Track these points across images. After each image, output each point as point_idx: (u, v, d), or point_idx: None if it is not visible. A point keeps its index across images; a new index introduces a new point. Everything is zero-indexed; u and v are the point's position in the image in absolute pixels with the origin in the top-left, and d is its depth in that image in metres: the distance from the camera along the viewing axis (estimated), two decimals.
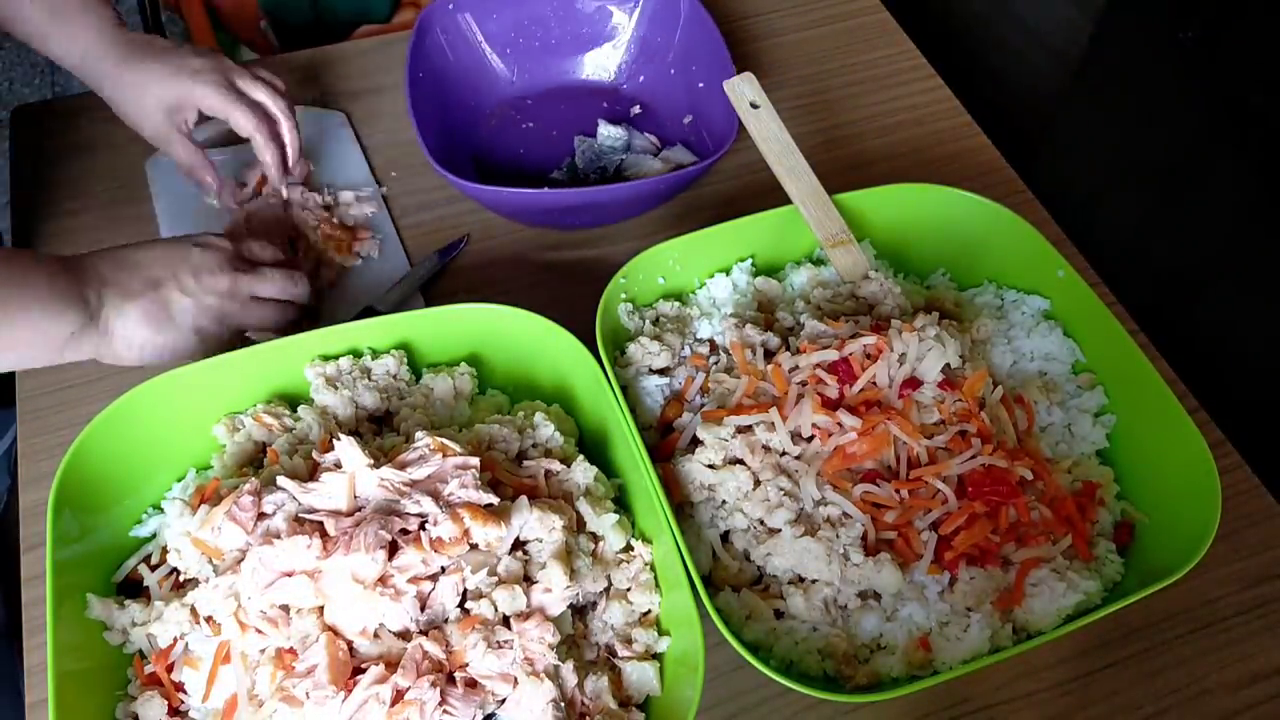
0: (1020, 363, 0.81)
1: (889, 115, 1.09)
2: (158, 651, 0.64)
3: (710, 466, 0.70)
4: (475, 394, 0.78)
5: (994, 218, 0.84)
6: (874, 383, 0.72)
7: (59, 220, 0.96)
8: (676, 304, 0.83)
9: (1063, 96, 1.21)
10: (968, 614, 0.67)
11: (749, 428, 0.71)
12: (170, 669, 0.64)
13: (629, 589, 0.67)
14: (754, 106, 0.85)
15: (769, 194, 0.85)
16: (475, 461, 0.64)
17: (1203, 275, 1.03)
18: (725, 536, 0.71)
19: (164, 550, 0.68)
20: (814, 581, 0.67)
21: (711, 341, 0.80)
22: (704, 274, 0.84)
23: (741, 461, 0.70)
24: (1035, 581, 0.68)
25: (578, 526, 0.67)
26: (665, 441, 0.75)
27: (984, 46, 1.26)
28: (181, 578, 0.67)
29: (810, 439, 0.70)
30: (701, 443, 0.71)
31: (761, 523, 0.69)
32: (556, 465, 0.69)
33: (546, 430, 0.71)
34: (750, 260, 0.85)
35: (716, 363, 0.78)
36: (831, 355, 0.72)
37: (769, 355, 0.76)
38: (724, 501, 0.70)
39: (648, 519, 0.68)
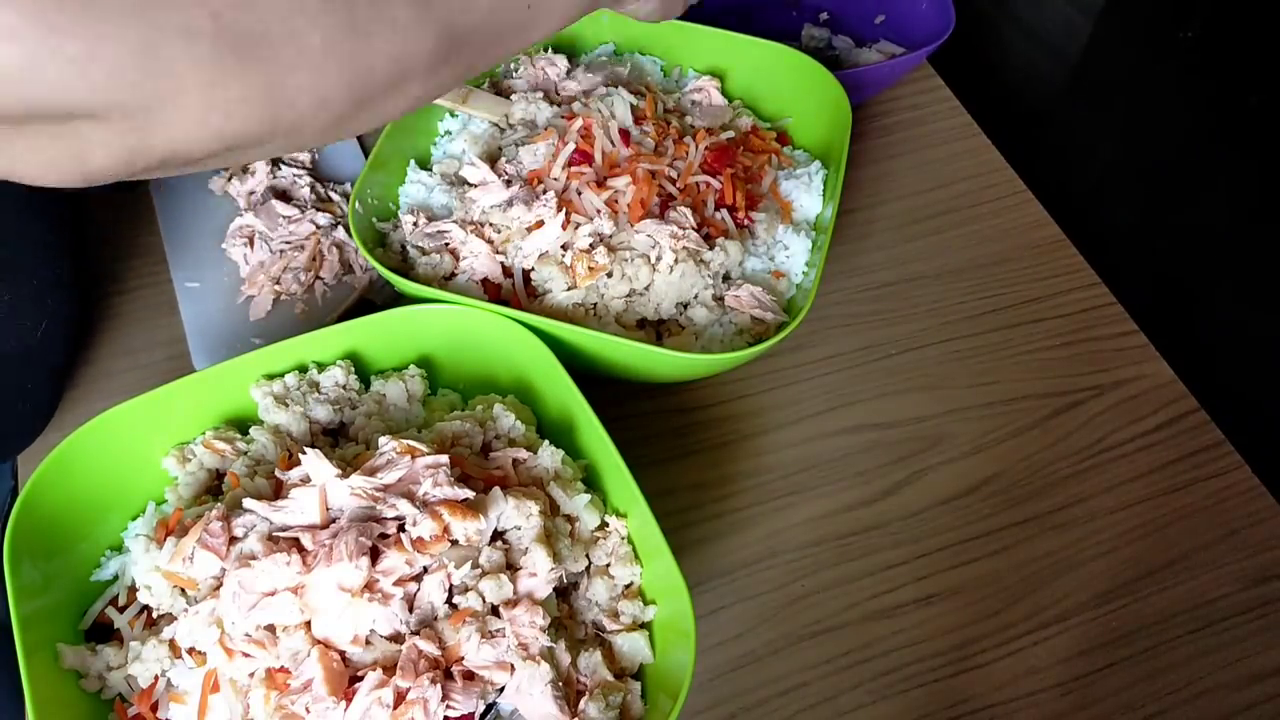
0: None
1: (889, 114, 1.08)
2: (139, 692, 0.63)
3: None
4: (426, 395, 0.78)
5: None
6: (604, 151, 0.81)
7: None
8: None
9: (1063, 96, 1.21)
10: None
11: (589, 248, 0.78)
12: (154, 708, 0.62)
13: (609, 564, 0.68)
14: None
15: None
16: (445, 459, 0.64)
17: (1203, 275, 1.03)
18: None
19: (130, 590, 0.66)
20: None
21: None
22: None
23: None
24: None
25: (552, 510, 0.68)
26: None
27: (984, 46, 1.26)
28: (154, 614, 0.65)
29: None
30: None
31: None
32: (523, 453, 0.69)
33: (507, 420, 0.72)
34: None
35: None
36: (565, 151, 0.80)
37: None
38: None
39: (619, 494, 0.69)
